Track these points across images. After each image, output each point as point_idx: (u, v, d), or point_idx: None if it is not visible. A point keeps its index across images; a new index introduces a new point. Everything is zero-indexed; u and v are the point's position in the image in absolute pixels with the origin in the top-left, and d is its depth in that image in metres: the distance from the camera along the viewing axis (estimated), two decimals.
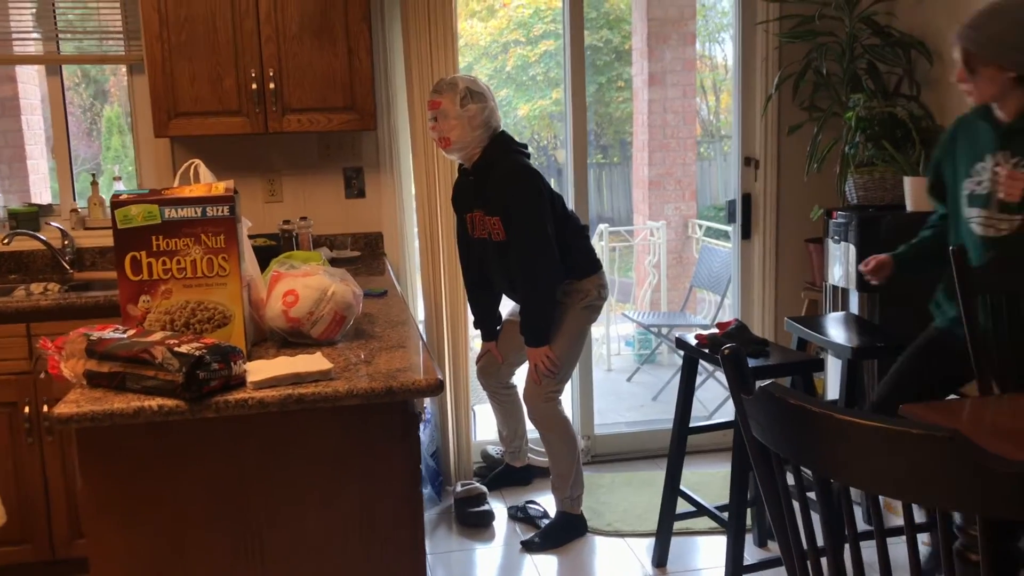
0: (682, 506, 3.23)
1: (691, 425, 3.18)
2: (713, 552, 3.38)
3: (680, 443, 3.16)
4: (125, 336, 1.94)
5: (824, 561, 1.43)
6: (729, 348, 1.43)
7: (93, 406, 1.80)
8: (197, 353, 1.82)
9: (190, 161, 2.40)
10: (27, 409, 3.07)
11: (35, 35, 3.68)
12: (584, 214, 3.99)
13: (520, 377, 3.76)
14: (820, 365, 2.99)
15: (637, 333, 6.57)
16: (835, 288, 3.75)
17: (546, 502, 3.69)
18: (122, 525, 1.89)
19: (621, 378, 6.17)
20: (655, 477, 3.90)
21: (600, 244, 6.51)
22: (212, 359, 1.84)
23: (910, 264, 2.97)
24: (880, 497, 1.30)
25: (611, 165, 10.63)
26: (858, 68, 3.82)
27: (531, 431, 3.92)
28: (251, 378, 1.90)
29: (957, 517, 1.80)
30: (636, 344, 6.63)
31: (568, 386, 3.54)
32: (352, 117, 3.49)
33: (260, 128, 3.43)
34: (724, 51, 9.04)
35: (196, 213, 2.05)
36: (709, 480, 3.90)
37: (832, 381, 3.78)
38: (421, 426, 2.64)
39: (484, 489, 3.75)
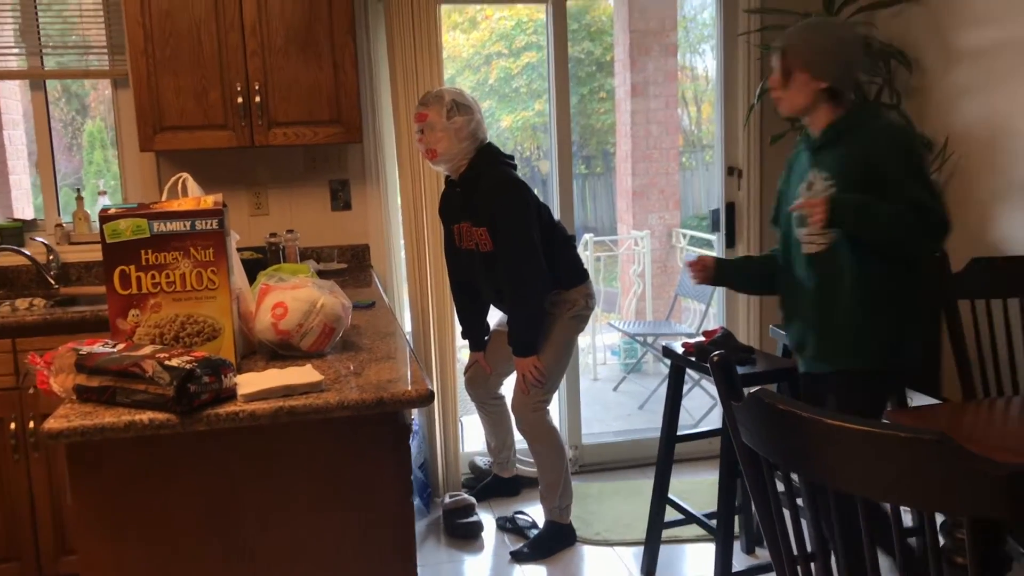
0: (670, 514, 3.24)
1: (678, 433, 3.20)
2: (702, 560, 3.39)
3: (668, 451, 3.17)
4: (115, 350, 1.94)
5: (814, 566, 1.45)
6: (718, 355, 1.45)
7: (83, 420, 1.79)
8: (188, 366, 1.82)
9: (178, 175, 2.41)
10: (13, 425, 3.05)
11: (17, 50, 3.68)
12: (569, 224, 4.01)
13: (508, 387, 3.77)
14: None
15: (623, 342, 6.60)
16: None
17: (534, 512, 3.69)
18: (112, 540, 1.88)
19: (607, 387, 6.19)
20: (643, 486, 3.91)
21: (585, 254, 6.54)
22: (203, 372, 1.84)
23: (731, 275, 2.96)
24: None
25: (594, 175, 10.67)
26: None
27: (519, 442, 3.93)
28: (241, 391, 1.90)
29: (943, 519, 1.82)
30: (622, 353, 6.65)
31: (555, 396, 3.55)
32: (338, 130, 3.50)
33: (246, 142, 3.43)
34: (705, 62, 9.10)
35: (185, 227, 2.05)
36: (696, 488, 3.91)
37: None
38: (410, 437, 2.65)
39: (472, 500, 3.75)
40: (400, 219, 3.93)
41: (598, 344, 6.62)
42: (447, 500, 3.76)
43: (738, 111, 4.17)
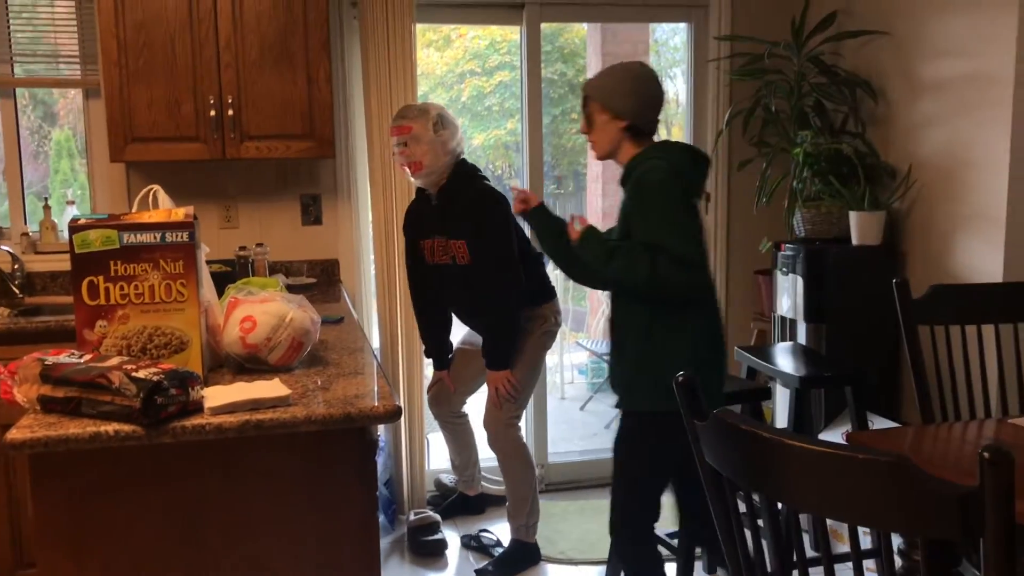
0: None
1: None
2: None
3: None
4: (81, 361, 1.93)
5: None
6: (683, 375, 1.47)
7: (48, 431, 1.78)
8: (155, 378, 1.82)
9: (149, 187, 2.40)
10: None
11: None
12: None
13: (472, 406, 3.78)
14: (768, 394, 3.05)
15: (590, 362, 6.63)
16: (783, 319, 3.84)
17: (499, 530, 3.69)
18: (74, 553, 1.86)
19: (574, 407, 6.21)
20: (607, 505, 3.92)
21: (555, 273, 6.56)
22: (170, 384, 1.83)
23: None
24: (828, 524, 1.34)
25: (565, 195, 10.72)
26: (806, 106, 3.93)
27: (484, 460, 3.94)
28: (209, 403, 1.90)
29: (900, 542, 1.86)
30: (589, 372, 6.68)
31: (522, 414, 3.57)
32: (311, 144, 3.51)
33: (218, 154, 3.43)
34: (675, 86, 9.20)
35: (155, 239, 2.05)
36: None
37: (780, 410, 3.86)
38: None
39: (437, 518, 3.75)
40: (371, 235, 3.93)
41: (566, 363, 6.64)
42: (412, 517, 3.75)
43: (707, 136, 4.23)
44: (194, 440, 1.85)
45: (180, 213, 2.10)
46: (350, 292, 3.85)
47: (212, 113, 3.39)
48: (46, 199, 3.77)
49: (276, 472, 1.94)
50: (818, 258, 3.61)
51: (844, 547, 3.47)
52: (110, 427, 1.80)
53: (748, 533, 1.48)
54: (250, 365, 2.26)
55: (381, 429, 3.82)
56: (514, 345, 3.35)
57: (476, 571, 3.46)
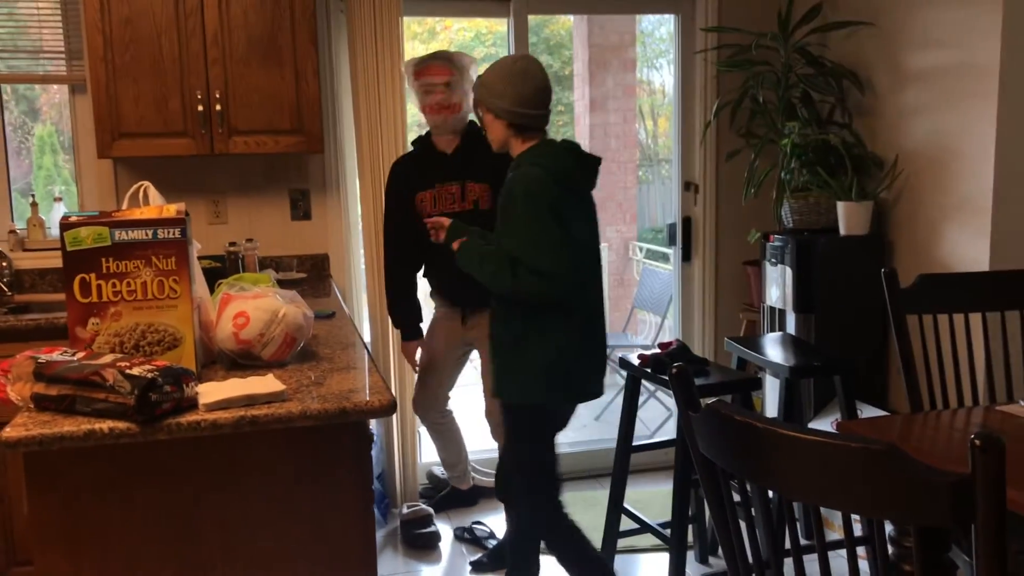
0: (625, 524, 3.28)
1: (634, 444, 3.24)
2: (656, 568, 3.43)
3: (624, 461, 3.21)
4: (74, 359, 1.93)
5: (768, 574, 1.49)
6: (677, 367, 1.49)
7: (42, 429, 1.78)
8: (149, 375, 1.82)
9: (139, 183, 2.40)
10: None
11: None
12: None
13: (454, 402, 3.77)
14: (758, 384, 3.07)
15: None
16: (772, 309, 3.86)
17: (493, 523, 3.71)
18: (70, 551, 1.87)
19: None
20: (599, 496, 3.95)
21: None
22: (164, 381, 1.84)
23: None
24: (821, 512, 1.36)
25: None
26: (793, 97, 3.95)
27: (473, 452, 3.96)
28: (203, 400, 1.90)
29: (891, 529, 1.88)
30: None
31: None
32: (299, 139, 3.50)
33: (206, 150, 3.42)
34: (662, 76, 9.21)
35: (147, 235, 2.05)
36: (651, 498, 3.96)
37: (770, 399, 3.89)
38: None
39: (430, 511, 3.76)
40: (360, 229, 3.93)
41: None
42: (405, 510, 3.76)
43: (695, 128, 4.24)
44: (189, 437, 1.85)
45: (171, 210, 2.10)
46: (340, 286, 3.85)
47: (200, 108, 3.38)
48: (32, 196, 3.76)
49: (271, 468, 1.95)
50: (807, 248, 3.63)
51: (836, 535, 3.50)
52: (104, 424, 1.80)
53: (742, 523, 1.50)
54: (243, 361, 2.27)
55: (373, 423, 3.82)
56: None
57: (471, 563, 3.47)
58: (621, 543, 3.34)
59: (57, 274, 3.64)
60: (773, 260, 3.79)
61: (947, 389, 2.71)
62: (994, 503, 1.14)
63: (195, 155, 3.44)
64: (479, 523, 3.73)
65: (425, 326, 3.61)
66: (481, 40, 10.10)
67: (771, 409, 3.87)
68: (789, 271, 3.67)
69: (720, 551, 1.51)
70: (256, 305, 2.25)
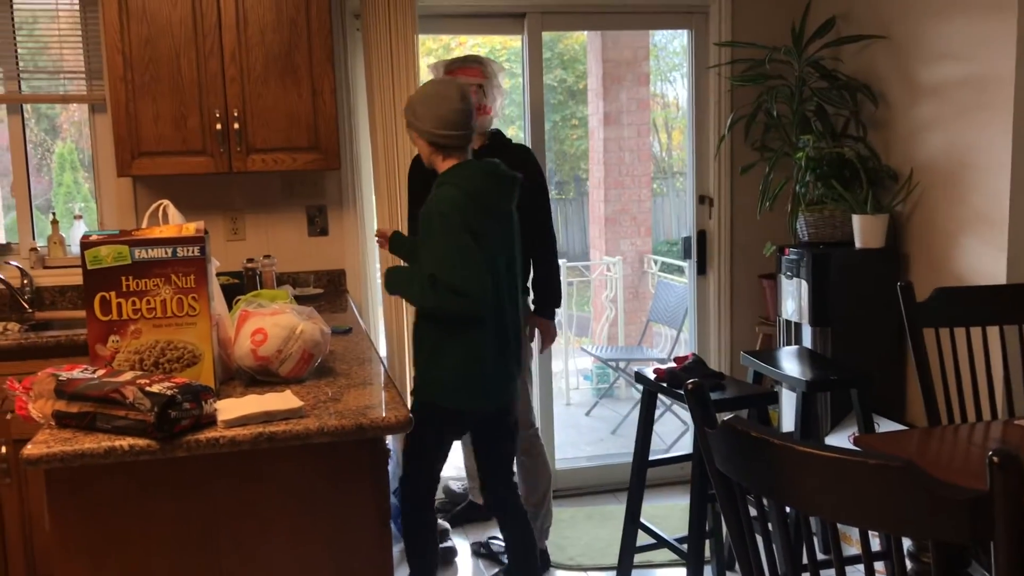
0: (642, 539, 3.27)
1: (650, 458, 3.24)
2: None
3: (640, 476, 3.21)
4: (95, 376, 1.96)
5: None
6: (693, 383, 1.49)
7: (63, 446, 1.80)
8: (169, 393, 1.84)
9: (159, 202, 2.43)
10: None
11: None
12: None
13: None
14: (775, 398, 3.06)
15: (595, 367, 6.64)
16: (788, 322, 3.85)
17: None
18: (91, 566, 1.88)
19: (580, 412, 6.22)
20: (615, 511, 3.94)
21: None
22: (184, 398, 1.85)
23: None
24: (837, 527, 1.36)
25: (567, 201, 10.74)
26: (807, 110, 3.95)
27: None
28: (222, 416, 1.92)
29: (910, 544, 1.87)
30: (594, 378, 6.69)
31: None
32: (316, 157, 3.53)
33: (224, 168, 3.45)
34: (676, 89, 9.23)
35: (167, 254, 2.07)
36: (668, 513, 3.95)
37: (787, 413, 3.87)
38: None
39: (447, 525, 3.76)
40: (376, 244, 3.95)
41: (571, 369, 6.66)
42: None
43: (709, 141, 4.25)
44: (208, 453, 1.87)
45: (191, 228, 2.12)
46: (356, 302, 3.87)
47: (218, 127, 3.41)
48: (53, 213, 3.80)
49: (289, 483, 1.96)
50: (822, 262, 3.63)
51: (853, 549, 3.48)
52: (124, 441, 1.82)
53: (759, 538, 1.50)
54: (261, 377, 2.28)
55: (389, 438, 3.83)
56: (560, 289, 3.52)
57: None
58: (638, 558, 3.33)
59: (77, 291, 3.68)
60: (789, 273, 3.79)
61: (965, 403, 2.69)
62: (1012, 520, 1.14)
63: (213, 173, 3.47)
64: (495, 538, 3.73)
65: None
66: (496, 56, 10.13)
67: (788, 423, 3.85)
68: (805, 284, 3.67)
69: (737, 566, 1.51)
70: (274, 322, 2.27)
